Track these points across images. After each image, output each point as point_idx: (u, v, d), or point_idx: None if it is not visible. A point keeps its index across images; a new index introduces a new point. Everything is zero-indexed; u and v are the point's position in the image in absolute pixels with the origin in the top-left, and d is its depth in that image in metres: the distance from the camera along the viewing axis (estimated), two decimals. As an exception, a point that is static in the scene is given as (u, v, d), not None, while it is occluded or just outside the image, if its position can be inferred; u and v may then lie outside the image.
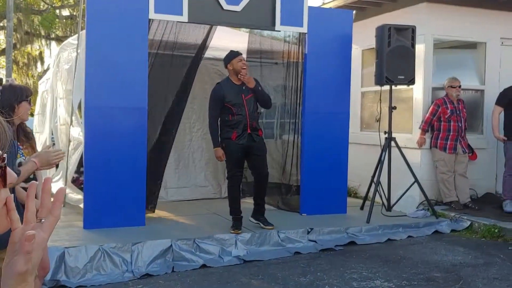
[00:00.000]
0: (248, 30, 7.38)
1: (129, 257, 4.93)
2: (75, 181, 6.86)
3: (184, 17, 5.99)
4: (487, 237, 6.16)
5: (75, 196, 6.53)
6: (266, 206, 6.70)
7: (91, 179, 5.70)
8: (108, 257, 4.87)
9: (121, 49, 5.74)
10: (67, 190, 6.71)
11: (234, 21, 6.35)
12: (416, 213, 6.81)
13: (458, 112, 7.10)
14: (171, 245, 5.14)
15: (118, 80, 5.73)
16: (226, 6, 6.15)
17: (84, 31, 6.01)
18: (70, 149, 6.55)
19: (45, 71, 19.80)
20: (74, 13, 18.87)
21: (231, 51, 5.72)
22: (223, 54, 7.30)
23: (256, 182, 5.73)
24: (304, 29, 6.56)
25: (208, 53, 6.60)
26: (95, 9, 5.69)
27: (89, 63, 5.67)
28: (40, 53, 20.41)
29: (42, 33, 18.88)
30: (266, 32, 6.91)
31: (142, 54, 5.86)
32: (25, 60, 20.20)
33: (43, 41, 19.77)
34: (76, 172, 6.95)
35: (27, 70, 20.21)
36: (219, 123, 5.61)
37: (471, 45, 7.82)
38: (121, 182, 5.75)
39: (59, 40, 19.43)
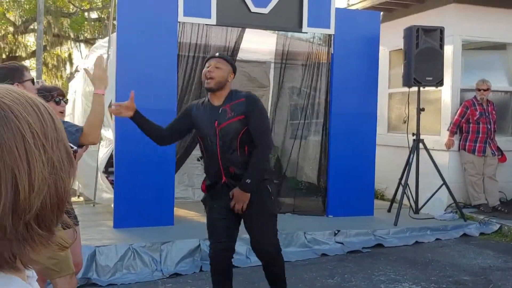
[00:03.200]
0: (275, 31, 7.41)
1: (158, 257, 5.01)
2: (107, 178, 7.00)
3: (213, 20, 6.06)
4: (517, 241, 6.09)
5: (106, 195, 6.64)
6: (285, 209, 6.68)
7: (121, 179, 5.80)
8: (138, 256, 4.95)
9: (151, 51, 5.83)
10: (97, 192, 6.84)
11: (261, 23, 6.38)
12: (444, 216, 6.75)
13: (487, 114, 7.02)
14: (199, 244, 5.19)
15: (147, 82, 5.81)
16: (253, 9, 6.19)
17: (114, 34, 6.12)
18: (100, 146, 6.67)
19: (74, 73, 20.14)
20: (102, 16, 19.15)
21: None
22: (249, 56, 7.40)
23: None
24: (331, 31, 6.57)
25: (233, 54, 6.63)
26: (125, 11, 5.79)
27: (119, 65, 5.77)
28: (69, 55, 20.75)
29: (71, 35, 19.20)
30: (290, 33, 6.91)
31: (172, 56, 5.94)
32: (55, 62, 20.56)
33: (72, 43, 20.10)
34: (105, 172, 7.07)
35: (57, 71, 20.56)
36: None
37: (500, 46, 7.72)
38: (150, 182, 5.83)
39: (87, 42, 19.75)
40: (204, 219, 6.38)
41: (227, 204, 3.48)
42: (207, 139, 3.49)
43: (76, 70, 21.68)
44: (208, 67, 3.47)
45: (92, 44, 19.34)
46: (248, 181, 3.39)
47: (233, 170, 3.47)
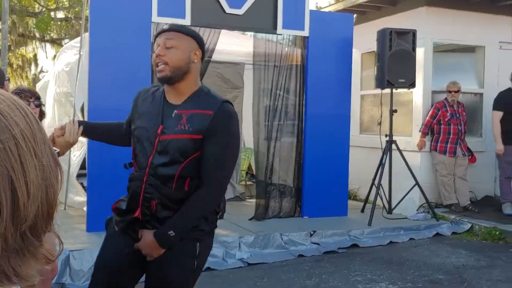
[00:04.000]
0: (249, 33, 7.40)
1: (134, 260, 4.93)
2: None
3: (187, 21, 6.00)
4: (488, 240, 6.21)
5: (78, 198, 6.52)
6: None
7: (94, 182, 5.69)
8: (112, 260, 4.86)
9: (125, 51, 5.75)
10: (70, 195, 6.71)
11: (236, 24, 6.37)
12: (417, 216, 6.85)
13: (458, 115, 7.15)
14: (176, 248, 5.13)
15: (121, 83, 5.72)
16: (228, 10, 6.17)
17: (87, 34, 6.02)
18: (72, 150, 6.54)
19: (39, 73, 19.74)
20: (69, 15, 18.84)
21: None
22: (223, 57, 7.36)
23: None
24: (305, 33, 6.59)
25: (207, 55, 6.58)
26: (98, 11, 5.70)
27: (92, 65, 5.67)
28: (35, 55, 20.36)
29: (37, 35, 18.83)
30: (260, 35, 6.85)
31: (146, 57, 5.85)
32: (19, 62, 20.13)
33: (37, 43, 19.73)
34: (77, 175, 6.94)
35: (21, 72, 20.13)
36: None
37: (470, 49, 7.89)
38: (124, 185, 5.72)
39: (53, 42, 19.40)
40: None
41: (131, 243, 2.31)
42: (140, 144, 2.34)
43: (41, 71, 21.27)
44: (156, 50, 2.27)
45: (59, 44, 19.01)
46: (171, 233, 2.20)
47: (155, 207, 2.25)
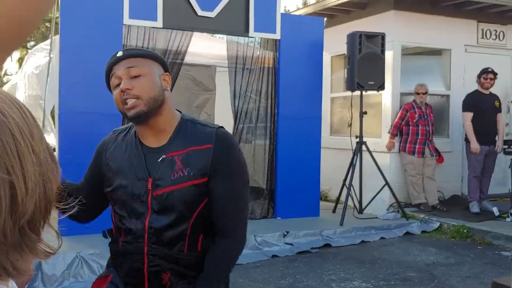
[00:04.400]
0: (220, 35, 7.42)
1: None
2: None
3: (159, 23, 6.00)
4: (456, 238, 6.37)
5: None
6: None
7: (65, 185, 5.63)
8: (85, 264, 4.83)
9: (96, 54, 5.68)
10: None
11: (208, 27, 6.39)
12: (387, 215, 6.97)
13: (425, 116, 7.31)
14: (150, 250, 5.11)
15: (92, 85, 5.66)
16: (200, 12, 6.19)
17: (57, 36, 5.95)
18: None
19: (3, 76, 19.35)
20: (35, 18, 18.51)
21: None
22: (194, 59, 7.34)
23: None
24: (277, 36, 6.66)
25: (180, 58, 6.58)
26: (69, 14, 5.64)
27: (63, 68, 5.61)
28: (-1, 58, 19.95)
29: (2, 37, 18.47)
30: (232, 37, 6.86)
31: (117, 59, 5.82)
32: (-17, 65, 19.71)
33: (2, 46, 19.36)
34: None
35: (-15, 75, 19.71)
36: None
37: (437, 52, 8.09)
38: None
39: (19, 45, 19.02)
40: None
41: None
42: (124, 207, 1.84)
43: (6, 74, 20.84)
44: (117, 84, 1.80)
45: (24, 46, 18.66)
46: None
47: (169, 282, 1.80)
